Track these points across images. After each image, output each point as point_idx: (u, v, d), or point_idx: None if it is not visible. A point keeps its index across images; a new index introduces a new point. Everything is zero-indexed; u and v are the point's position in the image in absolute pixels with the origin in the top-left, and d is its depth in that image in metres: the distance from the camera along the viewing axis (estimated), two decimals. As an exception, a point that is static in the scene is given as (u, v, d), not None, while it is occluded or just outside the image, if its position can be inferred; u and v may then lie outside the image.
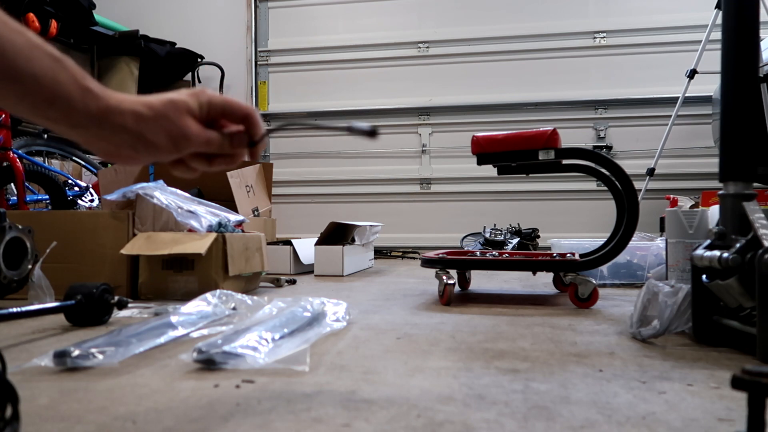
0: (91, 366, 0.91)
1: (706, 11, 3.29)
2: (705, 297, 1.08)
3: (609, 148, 3.99)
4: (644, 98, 3.94)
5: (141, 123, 0.59)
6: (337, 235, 2.71)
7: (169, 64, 4.15)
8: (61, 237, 1.66)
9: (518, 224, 3.79)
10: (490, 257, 1.95)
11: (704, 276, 1.07)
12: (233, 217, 1.98)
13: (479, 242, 3.49)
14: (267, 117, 4.49)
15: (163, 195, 1.90)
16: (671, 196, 3.33)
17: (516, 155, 1.62)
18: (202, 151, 0.65)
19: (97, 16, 3.56)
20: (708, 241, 1.08)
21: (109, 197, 1.91)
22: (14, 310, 1.15)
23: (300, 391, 0.79)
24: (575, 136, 3.98)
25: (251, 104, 4.43)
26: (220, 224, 1.85)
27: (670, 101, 3.57)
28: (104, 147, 0.60)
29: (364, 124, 0.68)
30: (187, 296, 1.59)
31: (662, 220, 3.32)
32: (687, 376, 0.87)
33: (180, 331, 1.14)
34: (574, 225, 4.01)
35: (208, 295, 1.40)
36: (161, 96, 0.62)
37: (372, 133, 0.67)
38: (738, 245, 0.98)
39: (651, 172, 3.27)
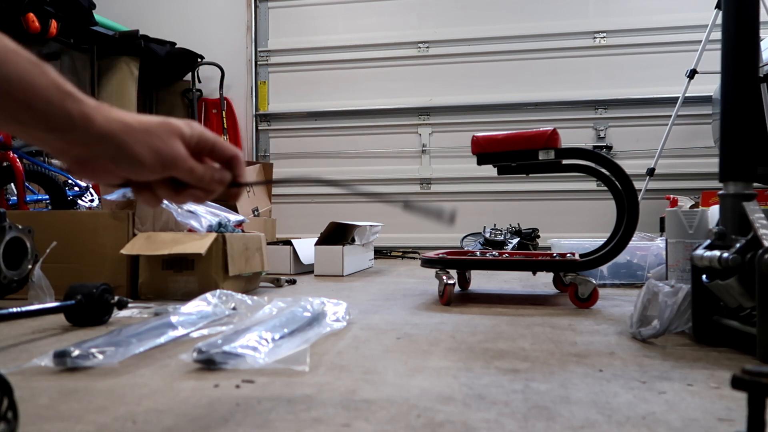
0: (91, 366, 0.91)
1: (706, 11, 3.29)
2: (705, 297, 1.08)
3: (609, 148, 3.99)
4: (644, 98, 3.94)
5: (129, 134, 0.57)
6: (337, 235, 2.71)
7: (169, 64, 4.16)
8: (61, 237, 1.66)
9: (518, 224, 3.79)
10: (490, 257, 1.95)
11: (704, 276, 1.07)
12: (233, 217, 1.98)
13: (479, 242, 3.49)
14: (267, 117, 4.49)
15: (163, 195, 1.90)
16: (671, 196, 3.33)
17: (516, 155, 1.62)
18: (181, 178, 0.63)
19: (97, 16, 3.57)
20: (708, 241, 1.08)
21: (109, 197, 1.91)
22: (14, 310, 1.15)
23: (300, 391, 0.79)
24: (575, 136, 3.98)
25: (251, 104, 4.45)
26: (220, 224, 1.85)
27: (670, 101, 3.57)
28: (80, 154, 0.56)
29: (430, 206, 0.65)
30: (187, 296, 1.59)
31: (662, 220, 3.32)
32: (687, 376, 0.87)
33: (180, 331, 1.14)
34: (574, 225, 4.01)
35: (208, 295, 1.40)
36: (154, 116, 0.61)
37: (451, 218, 0.65)
38: (738, 245, 0.98)
39: (651, 172, 3.26)
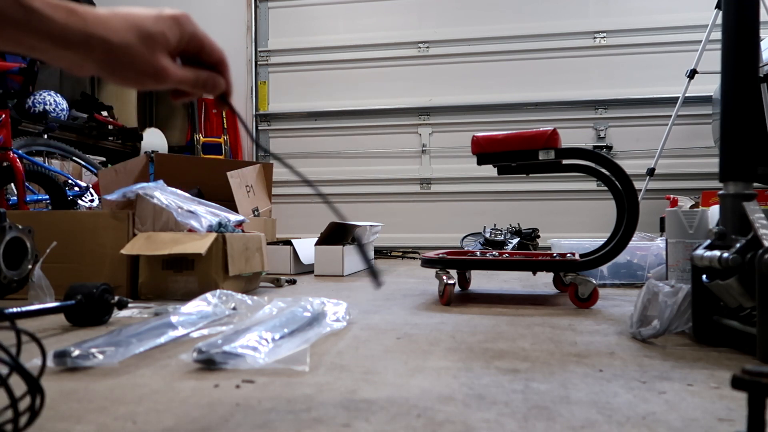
0: (91, 366, 0.91)
1: (706, 11, 3.29)
2: (705, 297, 1.08)
3: (609, 148, 3.99)
4: (644, 98, 3.94)
5: (110, 55, 0.55)
6: (337, 235, 2.71)
7: (169, 63, 4.15)
8: (61, 237, 1.66)
9: (518, 224, 3.79)
10: (490, 257, 1.95)
11: (704, 276, 1.07)
12: (233, 217, 1.98)
13: (479, 242, 3.49)
14: (267, 117, 4.49)
15: (163, 195, 1.90)
16: (671, 196, 3.33)
17: (516, 155, 1.62)
18: (171, 88, 0.62)
19: (97, 16, 3.56)
20: (708, 241, 1.08)
21: (109, 197, 1.91)
22: (14, 310, 1.15)
23: (300, 391, 0.79)
24: (575, 136, 3.98)
25: (251, 104, 4.44)
26: (220, 224, 1.85)
27: (670, 101, 3.57)
28: (67, 66, 0.56)
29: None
30: (187, 296, 1.59)
31: (662, 220, 3.32)
32: (687, 376, 0.87)
33: (180, 331, 1.14)
34: (574, 225, 4.01)
35: (208, 295, 1.40)
36: (138, 21, 0.57)
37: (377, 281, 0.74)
38: (738, 245, 0.98)
39: (651, 172, 3.27)
